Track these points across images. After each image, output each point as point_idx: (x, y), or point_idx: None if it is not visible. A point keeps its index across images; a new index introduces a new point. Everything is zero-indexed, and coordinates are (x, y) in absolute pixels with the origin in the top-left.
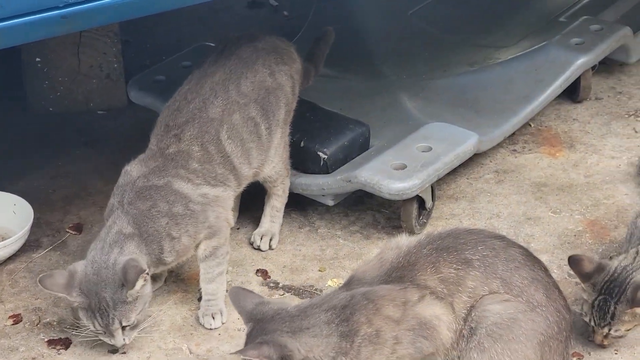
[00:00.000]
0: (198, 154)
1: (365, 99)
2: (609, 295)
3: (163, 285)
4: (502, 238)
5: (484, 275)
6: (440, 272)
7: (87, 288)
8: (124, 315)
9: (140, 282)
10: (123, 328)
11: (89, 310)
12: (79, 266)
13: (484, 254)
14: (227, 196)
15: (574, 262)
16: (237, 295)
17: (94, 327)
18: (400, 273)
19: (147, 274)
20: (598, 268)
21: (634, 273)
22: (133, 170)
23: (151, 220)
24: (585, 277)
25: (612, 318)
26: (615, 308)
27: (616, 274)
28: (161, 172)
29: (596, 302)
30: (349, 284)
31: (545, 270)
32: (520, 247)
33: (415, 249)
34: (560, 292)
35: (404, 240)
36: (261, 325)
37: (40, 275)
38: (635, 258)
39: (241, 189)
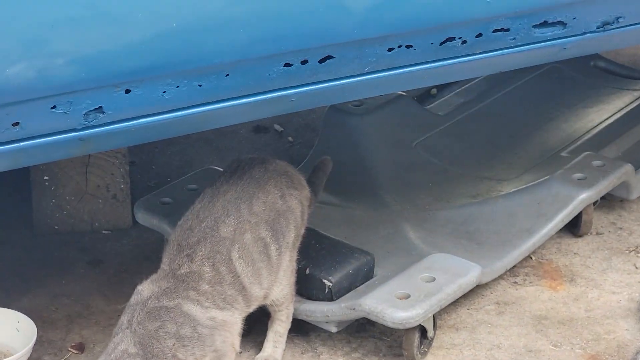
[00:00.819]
0: (209, 275)
1: (369, 228)
2: None
3: None
4: None
5: None
6: None
7: None
8: None
9: None
10: None
11: None
12: None
13: None
14: (235, 321)
15: None
16: None
17: None
18: None
19: None
20: None
21: None
22: (145, 290)
23: (157, 341)
24: None
25: None
26: None
27: None
28: (172, 294)
29: None
30: None
31: None
32: None
33: None
34: None
35: None
36: None
37: None
38: None
39: (250, 310)
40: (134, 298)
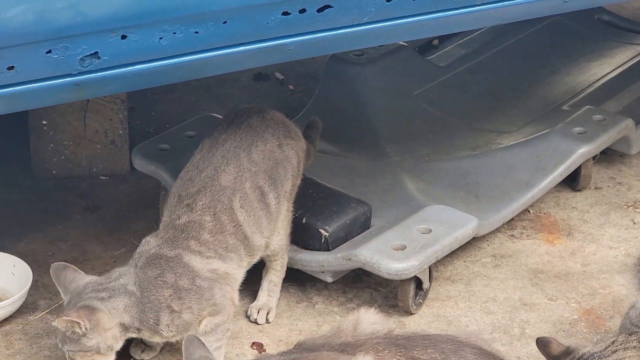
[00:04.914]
0: (210, 224)
1: (367, 178)
2: None
3: (158, 355)
4: (454, 341)
5: None
6: (382, 356)
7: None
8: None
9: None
10: None
11: None
12: (84, 280)
13: (433, 356)
14: (237, 275)
15: (541, 344)
16: None
17: None
18: (344, 348)
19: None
20: (566, 352)
21: None
22: (151, 240)
23: (155, 288)
24: (552, 359)
25: None
26: None
27: (582, 359)
28: (173, 243)
29: None
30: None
31: None
32: (474, 347)
33: (369, 335)
34: None
35: (370, 317)
36: None
37: (56, 264)
38: (607, 347)
39: (253, 262)
40: (139, 248)
